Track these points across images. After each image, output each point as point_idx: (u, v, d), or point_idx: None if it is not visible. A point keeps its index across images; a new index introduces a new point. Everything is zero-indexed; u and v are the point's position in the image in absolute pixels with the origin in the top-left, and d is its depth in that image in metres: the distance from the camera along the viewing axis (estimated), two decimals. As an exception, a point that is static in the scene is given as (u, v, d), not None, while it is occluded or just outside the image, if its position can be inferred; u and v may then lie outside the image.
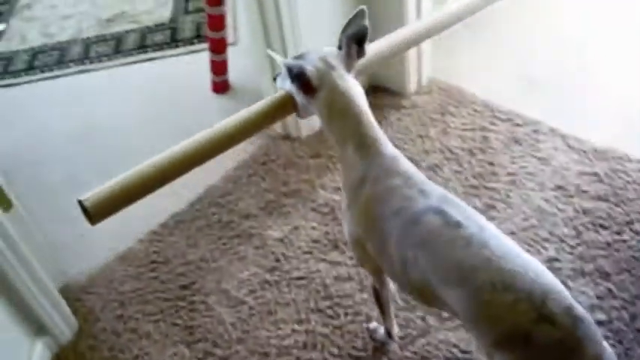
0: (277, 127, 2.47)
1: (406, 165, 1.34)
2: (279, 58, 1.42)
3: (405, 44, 1.67)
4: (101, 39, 3.33)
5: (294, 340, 1.83)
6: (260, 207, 2.21)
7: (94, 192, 1.26)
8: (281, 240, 2.09)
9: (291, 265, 2.02)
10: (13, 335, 1.79)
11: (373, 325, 1.79)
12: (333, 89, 1.32)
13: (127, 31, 3.34)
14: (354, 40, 1.35)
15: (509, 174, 2.18)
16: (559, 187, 2.12)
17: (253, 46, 2.37)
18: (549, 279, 1.14)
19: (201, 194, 2.30)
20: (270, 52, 1.51)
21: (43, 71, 3.17)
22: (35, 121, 2.87)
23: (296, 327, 1.85)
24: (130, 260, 2.14)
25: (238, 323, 1.89)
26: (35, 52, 3.32)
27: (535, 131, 2.33)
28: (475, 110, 2.45)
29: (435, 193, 1.28)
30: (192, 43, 3.16)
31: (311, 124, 2.36)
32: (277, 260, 2.03)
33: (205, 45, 2.74)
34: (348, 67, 1.36)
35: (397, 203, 1.28)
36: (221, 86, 2.78)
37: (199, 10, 3.31)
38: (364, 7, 1.32)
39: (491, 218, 2.00)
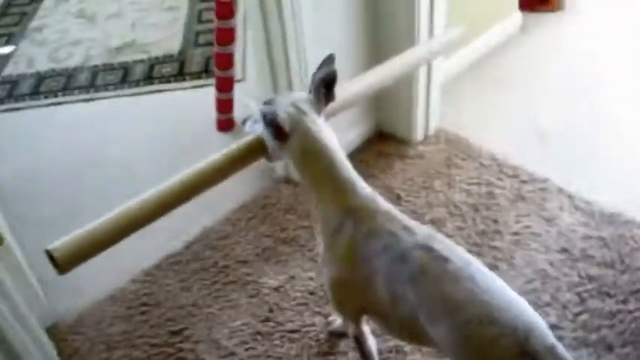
0: (279, 170, 2.44)
1: (385, 204, 1.35)
2: (253, 105, 1.43)
3: (373, 88, 1.70)
4: (109, 67, 3.31)
5: (283, 397, 1.77)
6: (257, 253, 2.16)
7: (62, 241, 1.26)
8: (276, 289, 2.03)
9: (285, 316, 1.96)
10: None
11: None
12: (305, 134, 1.33)
13: (135, 61, 3.33)
14: (323, 84, 1.36)
15: (513, 233, 2.13)
16: (564, 250, 2.06)
17: (260, 84, 2.34)
18: (533, 316, 1.18)
19: (198, 235, 2.25)
20: (244, 99, 1.51)
21: (47, 97, 3.15)
22: (36, 148, 2.84)
23: (286, 383, 1.80)
24: (120, 301, 2.08)
25: (227, 375, 1.83)
26: (42, 77, 3.30)
27: (542, 189, 2.29)
28: (482, 164, 2.41)
29: (420, 230, 1.31)
30: (199, 77, 3.14)
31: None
32: (271, 310, 1.98)
33: (213, 80, 2.72)
34: (318, 111, 1.37)
35: (383, 241, 1.29)
36: (226, 124, 2.75)
37: (209, 44, 3.30)
38: (334, 53, 1.36)
39: (493, 279, 1.95)
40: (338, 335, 1.87)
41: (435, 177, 2.39)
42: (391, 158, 2.50)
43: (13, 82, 3.28)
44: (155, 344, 1.94)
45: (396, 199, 2.30)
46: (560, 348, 1.14)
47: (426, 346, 1.36)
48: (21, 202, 2.50)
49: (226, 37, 2.46)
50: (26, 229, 2.26)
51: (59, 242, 1.25)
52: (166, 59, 3.32)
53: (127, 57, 3.38)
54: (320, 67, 1.36)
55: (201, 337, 1.94)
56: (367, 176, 2.33)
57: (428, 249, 1.25)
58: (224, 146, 2.69)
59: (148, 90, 3.11)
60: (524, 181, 2.32)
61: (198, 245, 2.22)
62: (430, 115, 2.53)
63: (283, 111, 1.33)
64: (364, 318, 1.55)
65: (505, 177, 2.35)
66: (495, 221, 2.18)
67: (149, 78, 3.18)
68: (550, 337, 1.15)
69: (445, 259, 1.23)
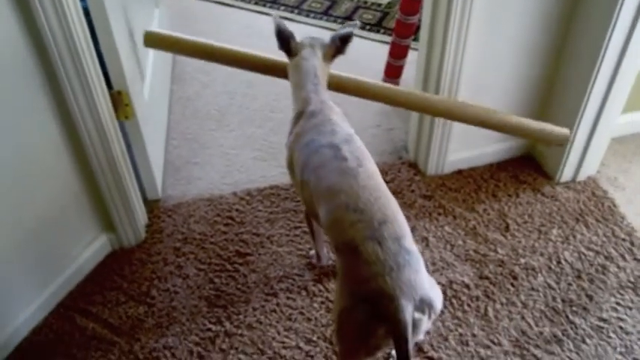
0: (406, 154, 2.41)
1: (329, 111, 1.67)
2: (274, 16, 1.81)
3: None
4: (320, -4, 3.44)
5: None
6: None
7: (161, 31, 2.01)
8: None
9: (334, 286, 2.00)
10: (86, 221, 2.02)
11: (312, 252, 2.10)
12: (300, 56, 1.76)
13: (345, -1, 3.42)
14: (340, 39, 1.78)
15: (601, 319, 1.93)
16: (646, 362, 1.84)
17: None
18: (394, 212, 1.40)
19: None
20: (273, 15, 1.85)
21: (257, 3, 3.36)
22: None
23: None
24: (214, 206, 2.28)
25: (261, 310, 1.95)
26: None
27: (664, 289, 2.02)
28: (614, 234, 2.18)
29: (342, 133, 1.59)
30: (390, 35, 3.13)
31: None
32: (326, 275, 2.04)
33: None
34: (327, 55, 1.79)
35: (310, 137, 1.60)
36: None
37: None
38: (358, 23, 1.84)
39: (549, 352, 1.82)
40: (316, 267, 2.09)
41: (556, 225, 2.21)
42: (523, 187, 2.35)
43: (237, -19, 3.56)
44: (219, 255, 2.11)
45: (504, 229, 2.19)
46: (408, 240, 1.35)
47: (318, 223, 1.62)
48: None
49: (411, 6, 2.43)
50: (183, 119, 2.53)
51: (157, 30, 1.96)
52: (372, 6, 3.35)
53: (340, -8, 3.47)
54: (343, 28, 1.79)
55: (257, 269, 2.07)
56: (487, 195, 2.25)
57: (335, 148, 1.53)
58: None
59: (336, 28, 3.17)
60: (649, 272, 2.07)
61: (301, 189, 2.32)
62: (586, 161, 2.32)
63: (300, 39, 1.78)
64: None
65: (630, 259, 2.10)
66: (590, 298, 1.99)
67: (348, 19, 3.25)
68: (402, 230, 1.36)
69: (343, 158, 1.50)
